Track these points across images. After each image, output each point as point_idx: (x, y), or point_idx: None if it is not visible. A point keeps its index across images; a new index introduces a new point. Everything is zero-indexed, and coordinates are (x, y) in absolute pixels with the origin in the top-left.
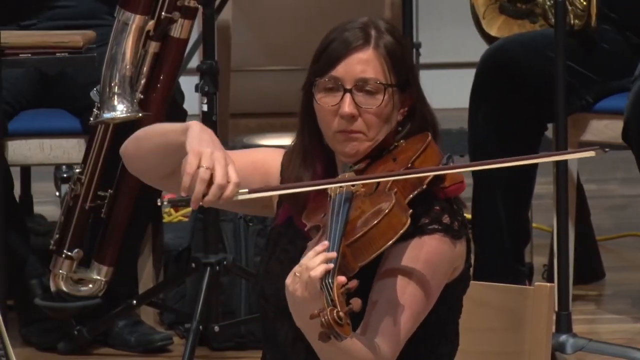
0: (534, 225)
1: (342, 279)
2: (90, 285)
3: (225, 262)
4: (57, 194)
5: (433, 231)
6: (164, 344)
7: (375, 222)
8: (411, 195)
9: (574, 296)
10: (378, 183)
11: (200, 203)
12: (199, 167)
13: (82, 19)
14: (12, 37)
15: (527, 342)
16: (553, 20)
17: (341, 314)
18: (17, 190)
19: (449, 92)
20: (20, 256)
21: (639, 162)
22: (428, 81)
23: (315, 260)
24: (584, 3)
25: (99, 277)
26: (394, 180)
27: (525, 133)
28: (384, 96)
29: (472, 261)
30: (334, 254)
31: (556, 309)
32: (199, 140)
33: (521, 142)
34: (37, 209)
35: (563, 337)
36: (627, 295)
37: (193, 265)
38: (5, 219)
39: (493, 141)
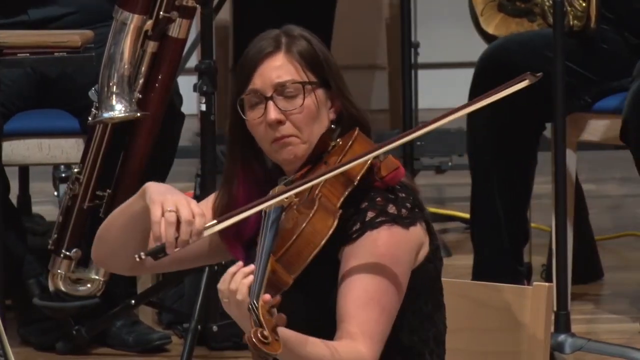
0: (532, 225)
1: (267, 297)
2: (89, 285)
3: (223, 262)
4: (56, 193)
5: (381, 224)
6: (162, 344)
7: (298, 232)
8: (344, 196)
9: (572, 296)
10: (309, 192)
11: (176, 248)
12: (163, 213)
13: (90, 24)
14: (11, 36)
15: (526, 342)
16: (552, 20)
17: (265, 333)
18: (15, 190)
19: (447, 92)
20: (18, 256)
21: (637, 162)
22: (426, 81)
23: (236, 281)
24: (583, 4)
25: (97, 277)
26: (323, 185)
27: (523, 133)
28: (304, 95)
29: (472, 261)
30: (250, 267)
31: (555, 308)
32: (157, 192)
33: (519, 141)
34: (36, 208)
35: (562, 337)
36: (625, 295)
37: None
38: (3, 219)
39: (491, 141)
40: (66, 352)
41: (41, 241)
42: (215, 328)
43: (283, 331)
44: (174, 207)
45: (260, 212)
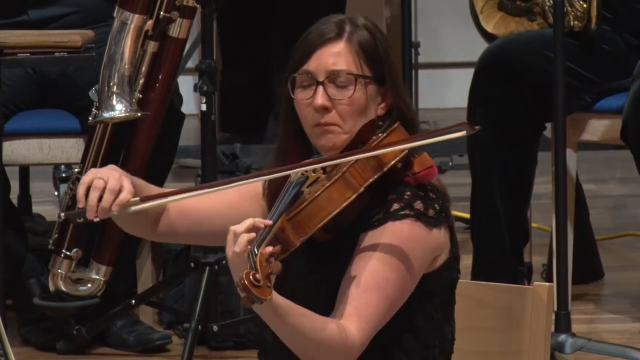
0: (533, 224)
1: (268, 248)
2: (89, 285)
3: (224, 262)
4: (56, 193)
5: (405, 216)
6: (162, 344)
7: (314, 196)
8: (371, 180)
9: (573, 296)
10: (336, 168)
11: (96, 215)
12: (93, 178)
13: (91, 23)
14: (11, 36)
15: (526, 342)
16: (552, 20)
17: (258, 275)
18: (15, 190)
19: (447, 92)
20: (19, 256)
21: (638, 162)
22: (426, 81)
23: (245, 224)
24: (584, 5)
25: (97, 277)
26: (352, 164)
27: (523, 132)
28: (355, 87)
29: (472, 261)
30: (267, 222)
31: (555, 308)
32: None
33: (520, 141)
34: (36, 208)
35: (562, 337)
36: (626, 295)
37: (192, 264)
38: (3, 219)
39: (491, 141)
40: (67, 352)
41: (41, 241)
42: (215, 328)
43: (276, 297)
44: (105, 177)
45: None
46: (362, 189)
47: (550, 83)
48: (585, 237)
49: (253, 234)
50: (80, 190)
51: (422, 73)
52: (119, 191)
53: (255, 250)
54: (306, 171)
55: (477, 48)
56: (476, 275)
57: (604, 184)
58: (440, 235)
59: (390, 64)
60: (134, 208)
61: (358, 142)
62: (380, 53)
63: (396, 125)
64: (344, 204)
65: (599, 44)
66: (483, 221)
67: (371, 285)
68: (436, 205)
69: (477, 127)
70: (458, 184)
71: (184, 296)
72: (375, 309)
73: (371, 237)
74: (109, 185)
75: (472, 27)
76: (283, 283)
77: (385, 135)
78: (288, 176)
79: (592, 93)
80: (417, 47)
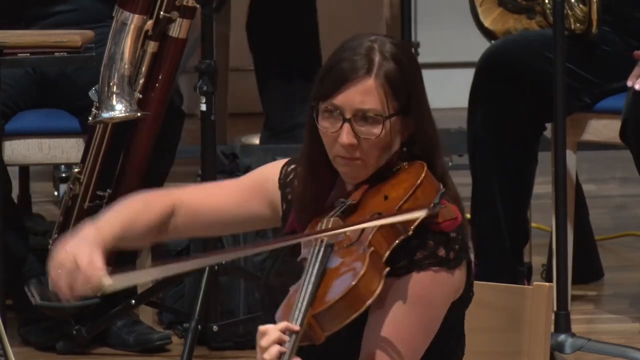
0: (532, 225)
1: None
2: None
3: (224, 262)
4: (56, 193)
5: (428, 266)
6: (162, 344)
7: (342, 294)
8: (395, 244)
9: (572, 296)
10: (362, 230)
11: (69, 299)
12: (62, 256)
13: (86, 23)
14: (11, 36)
15: (526, 342)
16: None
17: None
18: (15, 190)
19: (447, 92)
20: (19, 256)
21: (637, 162)
22: (426, 81)
23: (270, 339)
24: (584, 9)
25: None
26: (377, 229)
27: (523, 132)
28: (382, 127)
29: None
30: (285, 338)
31: (555, 308)
32: (77, 233)
33: (520, 141)
34: (36, 208)
35: (562, 337)
36: (625, 295)
37: None
38: (3, 219)
39: (492, 141)
40: (66, 352)
41: (41, 241)
42: (215, 328)
43: None
44: (71, 254)
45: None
46: (387, 269)
47: (550, 83)
48: (585, 237)
49: (284, 349)
50: (52, 272)
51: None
52: (90, 276)
53: None
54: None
55: (477, 48)
56: (476, 275)
57: (604, 184)
58: (460, 273)
59: (418, 91)
60: (107, 286)
61: (382, 171)
62: (407, 84)
63: (423, 174)
64: (373, 298)
65: (599, 45)
66: (483, 221)
67: (395, 341)
68: (456, 246)
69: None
70: (458, 184)
71: (184, 296)
72: None
73: (394, 286)
74: (79, 264)
75: (472, 27)
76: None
77: (415, 185)
78: (322, 201)
79: (592, 94)
80: (417, 47)
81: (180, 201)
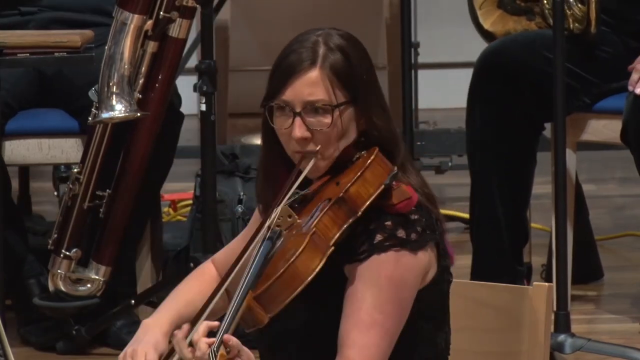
0: (532, 225)
1: (226, 337)
2: (89, 285)
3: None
4: (56, 193)
5: (388, 247)
6: None
7: (280, 271)
8: (344, 226)
9: (572, 296)
10: (310, 217)
11: None
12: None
13: (88, 12)
14: (11, 36)
15: (526, 342)
16: (552, 20)
17: None
18: (15, 190)
19: (447, 92)
20: (19, 256)
21: (638, 163)
22: (426, 81)
23: (200, 330)
24: (583, 9)
25: (97, 277)
26: (325, 212)
27: (522, 132)
28: (332, 116)
29: (471, 261)
30: (215, 324)
31: (555, 308)
32: (131, 340)
33: (518, 141)
34: (36, 208)
35: (562, 337)
36: (625, 295)
37: (191, 264)
38: (3, 219)
39: (490, 141)
40: (66, 352)
41: (41, 241)
42: None
43: None
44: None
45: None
46: (331, 249)
47: (549, 83)
48: (585, 238)
49: (212, 339)
50: None
51: (422, 73)
52: None
53: (215, 349)
54: (280, 217)
55: (477, 48)
56: (476, 275)
57: (604, 184)
58: (426, 255)
59: (366, 83)
60: None
61: (340, 162)
62: (355, 75)
63: (373, 156)
64: (311, 277)
65: (598, 45)
66: (482, 221)
67: (369, 325)
68: (418, 228)
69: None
70: (458, 184)
71: None
72: (377, 347)
73: (359, 272)
74: None
75: (472, 27)
76: (275, 322)
77: (364, 167)
78: (279, 194)
79: (591, 94)
80: (416, 47)
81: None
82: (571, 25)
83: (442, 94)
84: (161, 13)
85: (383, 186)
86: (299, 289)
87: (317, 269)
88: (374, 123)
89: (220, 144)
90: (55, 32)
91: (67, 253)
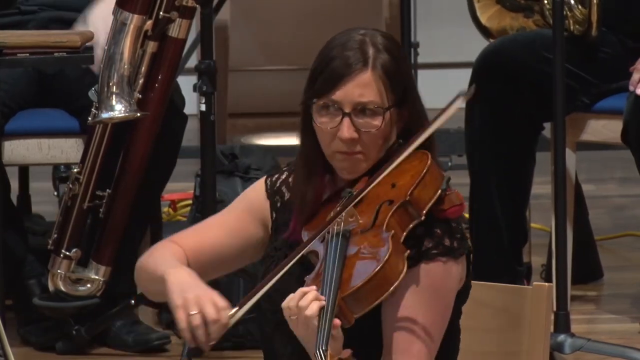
0: (532, 225)
1: (337, 323)
2: (89, 285)
3: None
4: (55, 193)
5: (436, 256)
6: (161, 344)
7: (370, 275)
8: (410, 227)
9: (572, 296)
10: (376, 217)
11: (210, 344)
12: (188, 317)
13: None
14: (11, 36)
15: (525, 342)
16: (551, 20)
17: None
18: (15, 190)
19: (447, 92)
20: (18, 256)
21: (638, 163)
22: (426, 81)
23: (307, 298)
24: (584, 11)
25: (97, 277)
26: (391, 215)
27: (522, 132)
28: (383, 119)
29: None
30: (324, 303)
31: (554, 308)
32: (178, 292)
33: (518, 141)
34: (35, 208)
35: (561, 337)
36: (625, 295)
37: None
38: (3, 219)
39: (490, 141)
40: (66, 352)
41: (41, 241)
42: None
43: None
44: (196, 309)
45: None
46: (407, 252)
47: (549, 83)
48: (584, 237)
49: (322, 303)
50: (186, 336)
51: (422, 73)
52: (218, 315)
53: (324, 350)
54: (341, 217)
55: (476, 48)
56: (475, 275)
57: (604, 184)
58: (463, 262)
59: (410, 80)
60: (235, 319)
61: (380, 163)
62: (402, 74)
63: (429, 162)
64: (400, 279)
65: (597, 46)
66: (482, 221)
67: (418, 333)
68: (458, 235)
69: (472, 88)
70: (457, 184)
71: None
72: (426, 354)
73: (407, 279)
74: (208, 316)
75: (472, 27)
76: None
77: (423, 171)
78: (320, 200)
79: (591, 95)
80: (416, 47)
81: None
82: (571, 27)
83: (442, 94)
84: (161, 13)
85: (440, 191)
86: (388, 292)
87: (404, 272)
88: (420, 121)
89: (220, 144)
90: (55, 32)
91: (67, 253)
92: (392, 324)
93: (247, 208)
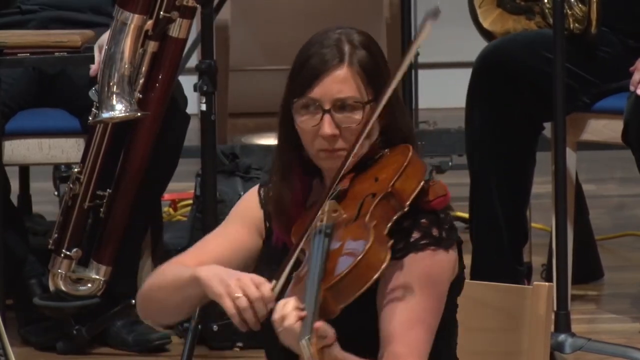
0: (532, 224)
1: (317, 325)
2: (89, 285)
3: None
4: (56, 193)
5: (424, 246)
6: (162, 343)
7: (353, 264)
8: (394, 218)
9: (572, 296)
10: (359, 210)
11: (259, 322)
12: (234, 302)
13: (89, 11)
14: (11, 36)
15: (526, 342)
16: (552, 20)
17: None
18: (15, 190)
19: (447, 92)
20: (19, 256)
21: (639, 164)
22: (426, 81)
23: (286, 309)
24: (584, 9)
25: (97, 277)
26: (374, 207)
27: (522, 132)
28: (363, 113)
29: (471, 261)
30: (304, 314)
31: (555, 308)
32: (217, 281)
33: (518, 141)
34: (36, 208)
35: (562, 337)
36: (625, 295)
37: None
38: (3, 219)
39: (490, 141)
40: (66, 351)
41: (41, 241)
42: (215, 328)
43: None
44: (240, 292)
45: (307, 209)
46: (391, 242)
47: (549, 83)
48: (585, 237)
49: (303, 313)
50: (236, 321)
51: (422, 73)
52: (259, 291)
53: (308, 339)
54: (324, 212)
55: (477, 48)
56: (475, 275)
57: (604, 184)
58: (454, 252)
59: (388, 76)
60: (277, 290)
61: (364, 160)
62: (380, 70)
63: (410, 154)
64: (383, 267)
65: (597, 45)
66: (482, 221)
67: (414, 321)
68: (446, 225)
69: (436, 8)
70: (458, 184)
71: None
72: (424, 343)
73: (396, 270)
74: (252, 296)
75: (472, 27)
76: None
77: (404, 164)
78: (302, 202)
79: (591, 94)
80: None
81: None
82: (571, 25)
83: (442, 93)
84: (161, 13)
85: (423, 182)
86: (372, 280)
87: (387, 261)
88: (396, 119)
89: (220, 143)
90: (56, 32)
91: (68, 253)
92: (387, 314)
93: (243, 218)
